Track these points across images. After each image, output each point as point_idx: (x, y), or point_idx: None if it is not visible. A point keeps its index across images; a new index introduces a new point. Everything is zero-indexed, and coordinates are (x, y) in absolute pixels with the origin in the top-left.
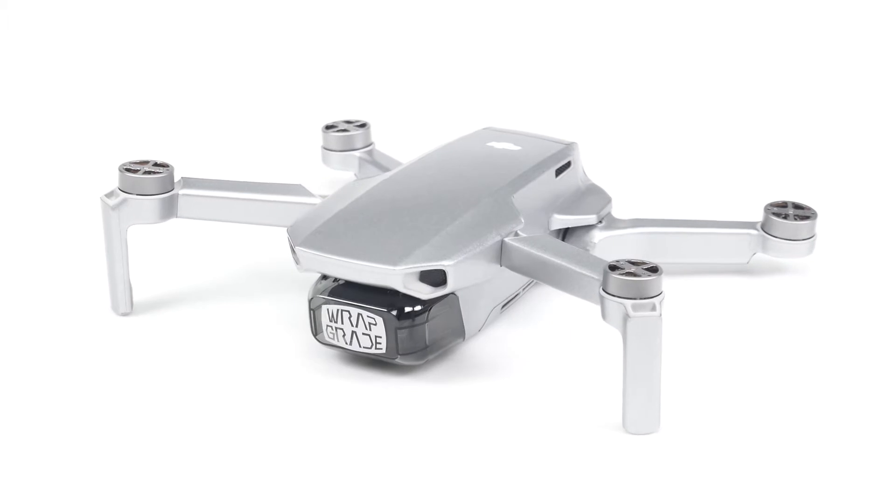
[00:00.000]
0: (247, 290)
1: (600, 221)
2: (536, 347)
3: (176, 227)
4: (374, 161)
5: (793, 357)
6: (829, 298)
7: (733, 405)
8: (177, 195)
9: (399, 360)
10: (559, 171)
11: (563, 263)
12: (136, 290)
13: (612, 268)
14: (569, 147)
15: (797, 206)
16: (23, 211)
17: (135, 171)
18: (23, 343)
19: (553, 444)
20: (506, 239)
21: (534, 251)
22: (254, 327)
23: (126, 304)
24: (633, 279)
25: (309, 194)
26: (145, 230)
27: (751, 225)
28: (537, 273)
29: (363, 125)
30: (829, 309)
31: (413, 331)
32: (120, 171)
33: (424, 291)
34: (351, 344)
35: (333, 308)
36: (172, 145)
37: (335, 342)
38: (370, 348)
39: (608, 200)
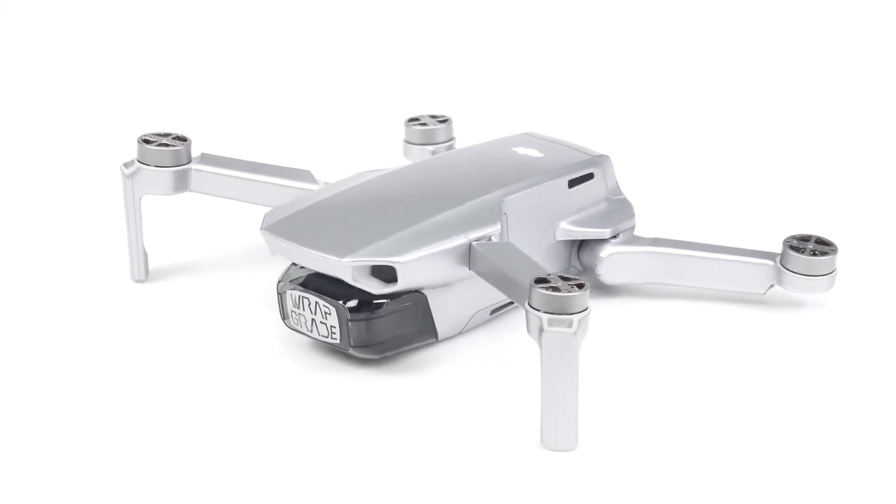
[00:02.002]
0: (249, 267)
1: (615, 237)
2: (509, 356)
3: (197, 201)
4: None
5: (782, 393)
6: (842, 337)
7: (696, 433)
8: (189, 170)
9: (353, 352)
10: (574, 182)
11: (507, 272)
12: (154, 259)
13: (539, 281)
14: (594, 160)
15: (821, 241)
16: (58, 180)
17: (151, 143)
18: (41, 304)
19: (468, 454)
20: (473, 243)
21: (491, 257)
22: (242, 304)
23: (140, 272)
24: (551, 294)
25: (313, 181)
26: (169, 202)
27: (770, 256)
28: (491, 279)
29: (445, 120)
30: (840, 347)
31: (368, 324)
32: (138, 141)
33: (374, 286)
34: (312, 331)
35: (296, 294)
36: (270, 136)
37: (299, 328)
38: (327, 337)
39: (629, 216)
